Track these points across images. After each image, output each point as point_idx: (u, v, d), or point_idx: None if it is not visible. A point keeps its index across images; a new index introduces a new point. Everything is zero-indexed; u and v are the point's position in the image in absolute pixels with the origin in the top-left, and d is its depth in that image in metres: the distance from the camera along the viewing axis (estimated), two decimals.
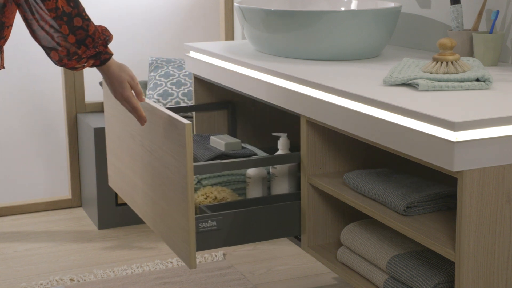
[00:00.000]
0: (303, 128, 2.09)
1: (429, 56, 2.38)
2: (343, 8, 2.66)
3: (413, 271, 1.78)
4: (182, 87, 3.45)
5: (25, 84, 3.63)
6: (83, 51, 1.78)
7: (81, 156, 3.53)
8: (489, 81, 1.83)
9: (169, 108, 2.66)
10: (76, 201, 3.63)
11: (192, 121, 3.42)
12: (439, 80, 1.85)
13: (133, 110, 1.96)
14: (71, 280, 2.82)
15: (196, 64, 2.70)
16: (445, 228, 1.72)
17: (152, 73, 3.52)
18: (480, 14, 2.21)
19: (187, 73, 3.50)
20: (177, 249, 2.06)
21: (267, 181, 2.33)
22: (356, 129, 1.84)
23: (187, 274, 2.84)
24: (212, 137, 2.46)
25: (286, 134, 2.35)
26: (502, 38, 2.13)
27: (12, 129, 3.64)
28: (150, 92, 3.43)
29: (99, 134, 3.29)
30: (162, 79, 3.47)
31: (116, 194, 3.33)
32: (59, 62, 1.79)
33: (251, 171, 2.30)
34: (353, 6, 2.65)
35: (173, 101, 3.41)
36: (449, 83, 1.83)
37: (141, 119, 1.98)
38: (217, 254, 3.00)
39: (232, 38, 3.73)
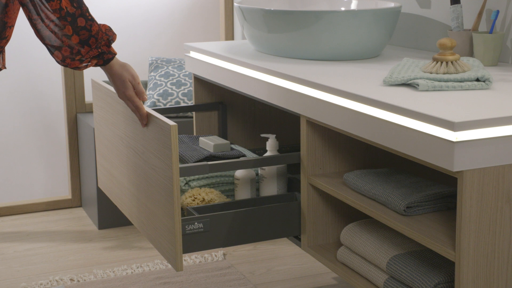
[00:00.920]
0: (303, 128, 2.09)
1: (429, 56, 2.38)
2: (343, 8, 2.66)
3: (413, 271, 1.78)
4: (182, 87, 3.45)
5: (25, 84, 3.63)
6: (86, 51, 1.79)
7: (81, 156, 3.53)
8: (489, 81, 1.83)
9: (167, 109, 2.66)
10: (76, 201, 3.63)
11: (192, 121, 3.42)
12: (439, 80, 1.85)
13: (135, 109, 1.96)
14: (71, 280, 2.82)
15: (196, 64, 2.70)
16: (445, 228, 1.72)
17: (152, 73, 3.52)
18: (480, 14, 2.21)
19: (187, 73, 3.50)
20: (164, 251, 2.05)
21: (256, 182, 2.32)
22: (356, 129, 1.84)
23: (187, 274, 2.84)
24: (201, 138, 2.45)
25: (274, 136, 2.34)
26: (502, 38, 2.13)
27: (12, 129, 3.64)
28: (150, 92, 3.43)
29: None
30: (162, 79, 3.47)
31: None
32: (62, 61, 1.80)
33: (239, 173, 2.29)
34: (353, 6, 2.65)
35: (173, 101, 3.41)
36: (449, 83, 1.83)
37: (142, 120, 1.98)
38: (217, 254, 3.00)
39: (232, 38, 3.73)
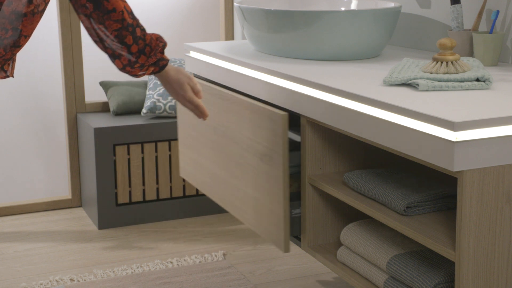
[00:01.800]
0: (303, 128, 2.09)
1: (429, 56, 2.38)
2: (343, 8, 2.66)
3: (413, 271, 1.78)
4: None
5: (25, 84, 3.63)
6: (144, 59, 1.88)
7: (81, 156, 3.53)
8: (489, 81, 1.83)
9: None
10: (76, 201, 3.63)
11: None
12: (439, 80, 1.85)
13: (196, 108, 2.01)
14: (71, 280, 2.82)
15: (196, 64, 2.70)
16: (445, 228, 1.72)
17: None
18: (480, 14, 2.21)
19: None
20: (268, 235, 2.14)
21: None
22: (356, 129, 1.84)
23: (187, 274, 2.84)
24: None
25: None
26: (502, 38, 2.13)
27: (12, 129, 3.64)
28: (150, 92, 3.43)
29: (99, 134, 3.29)
30: None
31: (116, 194, 3.34)
32: (122, 69, 1.89)
33: None
34: (353, 6, 2.65)
35: (173, 101, 3.41)
36: (449, 83, 1.83)
37: (204, 115, 2.04)
38: (217, 254, 3.00)
39: (232, 38, 3.73)
